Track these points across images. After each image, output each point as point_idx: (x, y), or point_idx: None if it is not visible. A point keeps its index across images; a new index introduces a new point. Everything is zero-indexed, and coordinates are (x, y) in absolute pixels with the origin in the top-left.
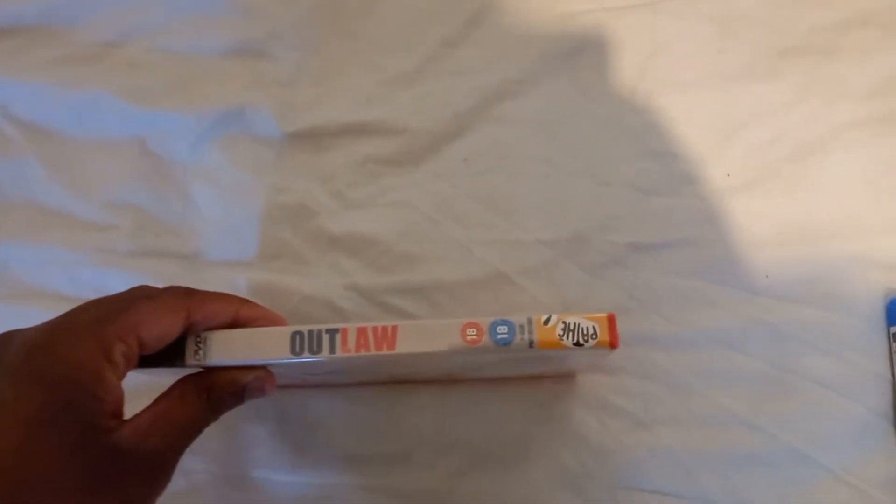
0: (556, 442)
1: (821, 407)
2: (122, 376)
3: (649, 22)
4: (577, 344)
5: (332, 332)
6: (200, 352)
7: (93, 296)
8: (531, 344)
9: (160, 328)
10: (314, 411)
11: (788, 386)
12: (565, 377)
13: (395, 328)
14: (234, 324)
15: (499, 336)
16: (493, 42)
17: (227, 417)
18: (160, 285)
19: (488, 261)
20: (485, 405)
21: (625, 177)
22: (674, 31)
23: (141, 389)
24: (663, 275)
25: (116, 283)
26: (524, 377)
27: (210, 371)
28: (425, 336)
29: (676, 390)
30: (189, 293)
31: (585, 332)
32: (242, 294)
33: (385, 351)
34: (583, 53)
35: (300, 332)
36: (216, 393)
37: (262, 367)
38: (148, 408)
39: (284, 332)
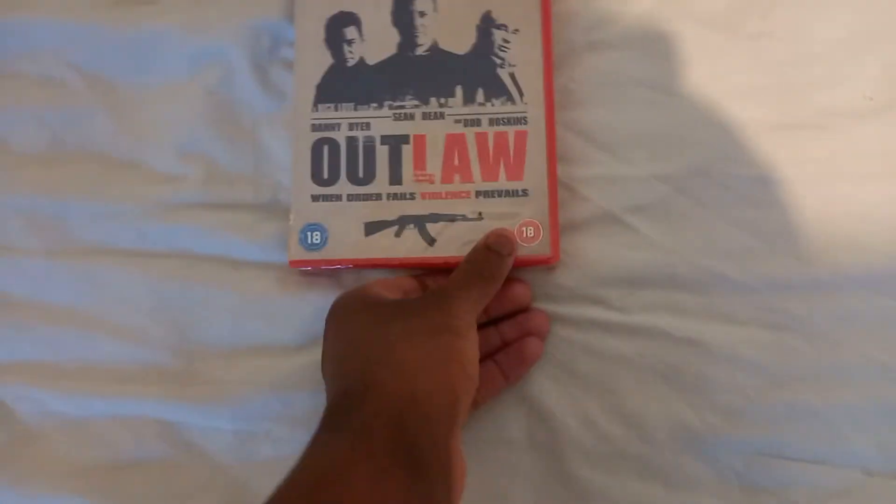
0: (678, 400)
1: None
2: None
3: None
4: None
5: None
6: None
7: (164, 250)
8: None
9: None
10: None
11: None
12: None
13: None
14: None
15: None
16: None
17: None
18: (234, 237)
19: (591, 199)
20: None
21: (747, 110)
22: None
23: None
24: (798, 212)
25: (187, 236)
26: None
27: None
28: None
29: (816, 341)
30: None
31: None
32: None
33: None
34: None
35: None
36: None
37: None
38: None
39: None
